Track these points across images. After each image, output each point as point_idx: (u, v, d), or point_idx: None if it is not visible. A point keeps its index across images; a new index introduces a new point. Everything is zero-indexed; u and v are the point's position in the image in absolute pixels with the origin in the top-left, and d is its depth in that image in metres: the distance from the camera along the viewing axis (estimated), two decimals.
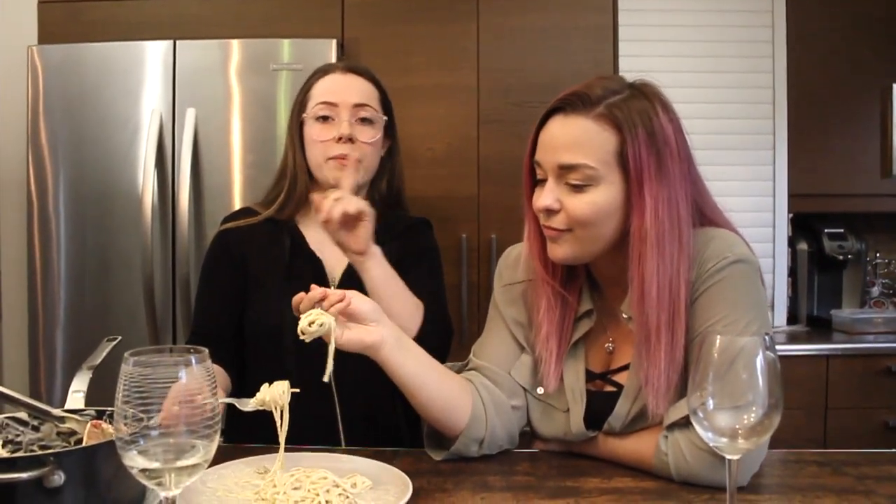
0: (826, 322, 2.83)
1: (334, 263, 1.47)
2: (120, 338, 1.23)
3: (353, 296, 1.12)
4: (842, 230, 2.93)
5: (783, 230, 2.80)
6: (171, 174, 2.38)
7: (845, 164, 2.85)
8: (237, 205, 2.41)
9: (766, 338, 0.83)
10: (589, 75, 2.50)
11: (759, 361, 0.82)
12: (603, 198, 1.13)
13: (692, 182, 1.18)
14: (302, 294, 1.13)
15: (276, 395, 1.05)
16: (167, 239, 2.38)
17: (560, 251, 1.18)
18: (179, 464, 0.69)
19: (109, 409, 1.03)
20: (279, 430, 1.05)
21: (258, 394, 1.06)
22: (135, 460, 0.69)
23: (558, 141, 1.14)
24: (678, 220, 1.13)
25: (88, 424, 0.98)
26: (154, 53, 2.39)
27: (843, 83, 2.84)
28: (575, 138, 1.13)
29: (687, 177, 1.16)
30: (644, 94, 1.17)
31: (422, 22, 2.56)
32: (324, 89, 1.48)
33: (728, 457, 0.86)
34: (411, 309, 1.38)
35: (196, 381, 0.72)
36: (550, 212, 1.15)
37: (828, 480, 1.12)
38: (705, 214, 1.21)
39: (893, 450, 1.28)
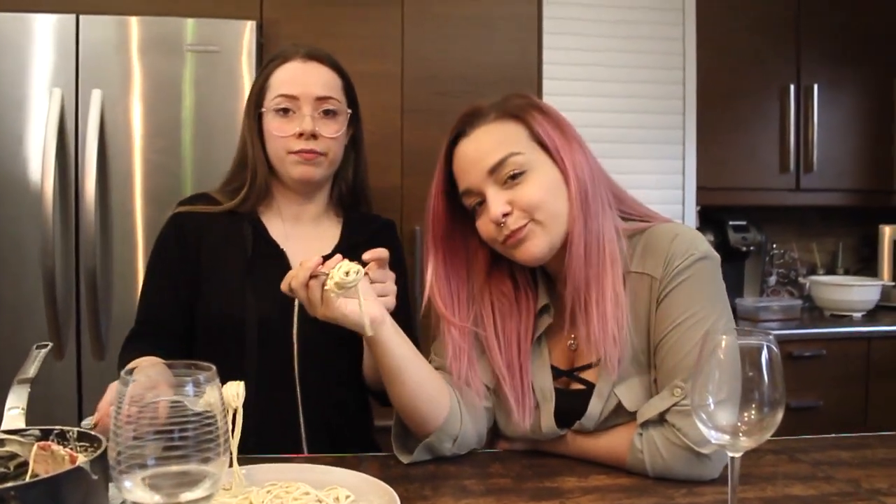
0: (731, 310, 2.95)
1: (298, 257, 1.38)
2: (51, 344, 1.10)
3: None
4: (745, 222, 3.07)
5: (691, 222, 2.90)
6: (75, 159, 2.18)
7: (748, 160, 3.00)
8: (139, 193, 2.24)
9: (770, 335, 0.84)
10: (514, 65, 2.55)
11: (765, 359, 0.82)
12: (542, 177, 1.16)
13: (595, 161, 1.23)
14: (294, 270, 1.07)
15: (229, 396, 0.96)
16: (69, 229, 2.18)
17: (531, 246, 1.16)
18: (185, 497, 0.61)
19: (56, 427, 0.92)
20: (230, 436, 0.96)
21: (206, 395, 0.97)
22: (133, 493, 0.60)
23: (476, 154, 1.17)
24: (598, 180, 1.19)
25: (34, 446, 0.86)
26: (53, 27, 2.18)
27: (746, 82, 2.98)
28: (490, 141, 1.17)
29: (589, 153, 1.21)
30: (517, 96, 1.23)
31: (345, 5, 2.47)
32: (283, 80, 1.38)
33: (730, 454, 0.86)
34: None
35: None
36: (506, 216, 1.15)
37: (788, 469, 1.16)
38: (625, 202, 1.25)
39: (834, 435, 1.35)
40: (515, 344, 1.22)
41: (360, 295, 1.05)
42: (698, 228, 2.94)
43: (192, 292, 1.37)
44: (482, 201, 1.17)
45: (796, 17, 2.99)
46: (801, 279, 3.24)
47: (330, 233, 1.45)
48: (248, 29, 2.30)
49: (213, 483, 0.62)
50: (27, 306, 2.17)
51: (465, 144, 1.18)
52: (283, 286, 1.10)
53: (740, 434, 0.84)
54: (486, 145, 1.16)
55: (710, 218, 3.05)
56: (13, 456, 0.89)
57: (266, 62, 1.43)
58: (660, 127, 2.85)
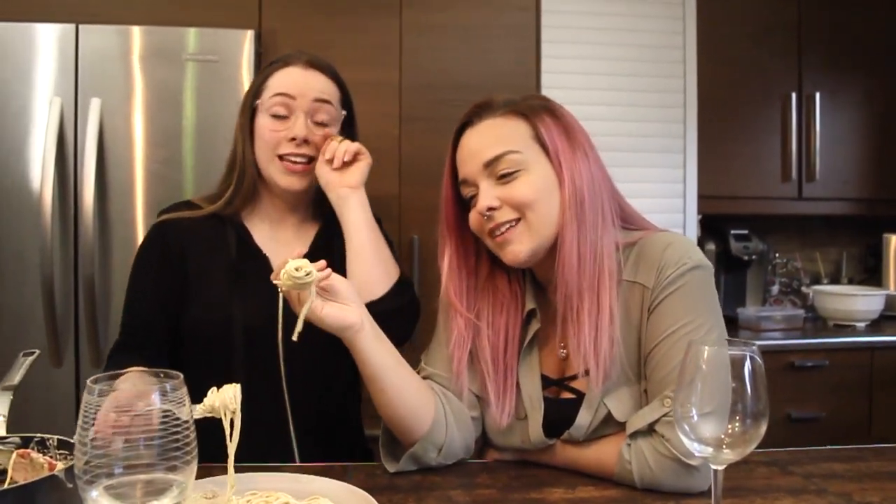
0: (733, 320, 2.94)
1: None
2: (38, 352, 1.10)
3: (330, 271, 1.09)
4: (746, 231, 3.06)
5: (693, 231, 2.88)
6: (73, 168, 2.19)
7: (750, 168, 2.98)
8: (140, 203, 2.25)
9: (754, 346, 0.83)
10: (511, 74, 2.55)
11: (748, 370, 0.81)
12: (536, 177, 1.16)
13: (605, 170, 1.22)
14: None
15: (226, 399, 0.95)
16: (68, 238, 2.19)
17: (517, 247, 1.16)
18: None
19: (36, 435, 0.92)
20: (228, 440, 0.94)
21: (206, 399, 0.95)
22: (98, 502, 0.60)
23: (477, 146, 1.18)
24: (600, 192, 1.18)
25: (14, 454, 0.86)
26: (54, 37, 2.19)
27: (748, 90, 2.97)
28: (492, 136, 1.17)
29: (600, 162, 1.21)
30: (535, 97, 1.26)
31: (343, 15, 2.48)
32: (282, 82, 1.38)
33: (714, 467, 0.85)
34: (384, 266, 1.35)
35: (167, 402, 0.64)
36: (493, 210, 1.16)
37: (779, 481, 1.14)
38: (626, 210, 1.24)
39: (828, 447, 1.34)
40: (503, 339, 1.22)
41: (311, 295, 1.05)
42: (700, 237, 2.94)
43: (178, 301, 1.37)
44: (477, 193, 1.18)
45: (797, 25, 2.98)
46: (804, 289, 3.21)
47: (311, 238, 1.45)
48: (248, 38, 2.31)
49: (181, 491, 0.61)
50: (26, 314, 2.17)
51: (469, 134, 1.20)
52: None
53: (724, 446, 0.83)
54: (488, 139, 1.17)
55: (712, 227, 3.03)
56: None
57: (267, 64, 1.43)
58: (660, 135, 2.84)
